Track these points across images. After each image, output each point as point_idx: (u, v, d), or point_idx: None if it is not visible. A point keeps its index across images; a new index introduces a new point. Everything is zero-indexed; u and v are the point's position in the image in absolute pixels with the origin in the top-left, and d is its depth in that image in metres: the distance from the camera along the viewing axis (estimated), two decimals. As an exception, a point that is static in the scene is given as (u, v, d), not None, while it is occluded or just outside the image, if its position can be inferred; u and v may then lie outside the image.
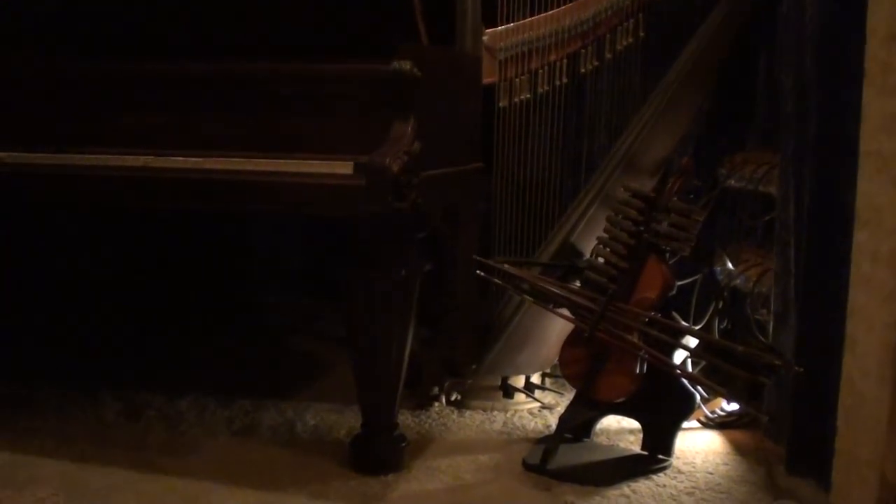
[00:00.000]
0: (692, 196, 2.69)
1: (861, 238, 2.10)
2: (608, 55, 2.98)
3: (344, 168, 2.28)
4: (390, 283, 2.41)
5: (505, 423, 2.92)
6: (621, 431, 2.85)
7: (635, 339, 2.48)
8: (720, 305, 2.87)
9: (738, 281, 2.85)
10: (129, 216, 3.39)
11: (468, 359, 3.00)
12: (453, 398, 3.06)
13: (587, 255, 2.87)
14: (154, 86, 2.60)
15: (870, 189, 2.07)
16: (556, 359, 2.77)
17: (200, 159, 2.44)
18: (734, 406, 2.83)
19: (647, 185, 2.78)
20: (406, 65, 2.32)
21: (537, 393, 3.09)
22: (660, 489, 2.45)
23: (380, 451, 2.54)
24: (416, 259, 2.48)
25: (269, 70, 2.50)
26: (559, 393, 3.14)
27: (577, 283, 2.69)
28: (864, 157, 2.09)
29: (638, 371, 2.51)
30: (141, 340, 3.63)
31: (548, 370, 3.14)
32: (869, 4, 2.05)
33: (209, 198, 2.48)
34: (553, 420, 2.92)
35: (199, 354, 3.59)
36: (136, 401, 3.01)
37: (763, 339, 2.69)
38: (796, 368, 2.30)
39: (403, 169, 2.25)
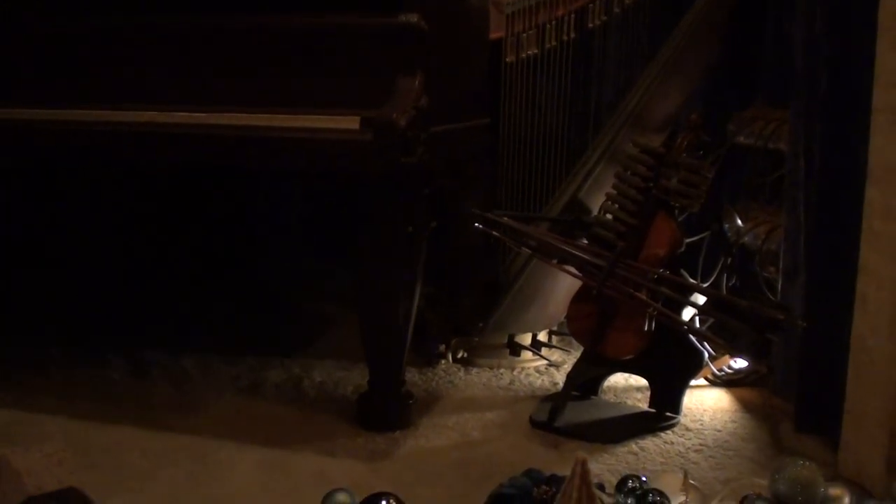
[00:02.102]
0: (701, 152, 2.66)
1: (873, 195, 2.08)
2: (616, 10, 2.94)
3: (350, 123, 2.25)
4: (397, 239, 2.39)
5: (512, 381, 2.92)
6: (628, 389, 2.85)
7: (644, 296, 2.47)
8: (729, 261, 2.85)
9: (746, 238, 2.83)
10: (132, 175, 3.37)
11: (475, 316, 2.99)
12: (460, 356, 3.06)
13: (595, 212, 2.85)
14: (159, 40, 2.57)
15: (882, 145, 2.06)
16: (563, 316, 2.76)
17: (205, 114, 2.42)
18: (742, 363, 2.82)
19: (655, 141, 2.75)
20: (413, 17, 2.29)
21: (544, 350, 3.08)
22: (668, 446, 2.44)
23: (387, 408, 2.53)
24: (422, 216, 2.46)
25: (273, 23, 2.47)
26: (566, 350, 3.14)
27: (584, 240, 2.67)
28: (877, 113, 2.07)
29: (646, 328, 2.50)
30: (145, 299, 3.62)
31: (554, 328, 3.14)
32: (883, -45, 2.02)
33: (213, 153, 2.47)
34: (560, 377, 2.92)
35: (203, 313, 3.58)
36: (140, 359, 3.00)
37: (770, 296, 2.67)
38: (800, 322, 2.29)
39: (411, 124, 2.23)
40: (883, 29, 2.05)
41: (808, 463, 1.86)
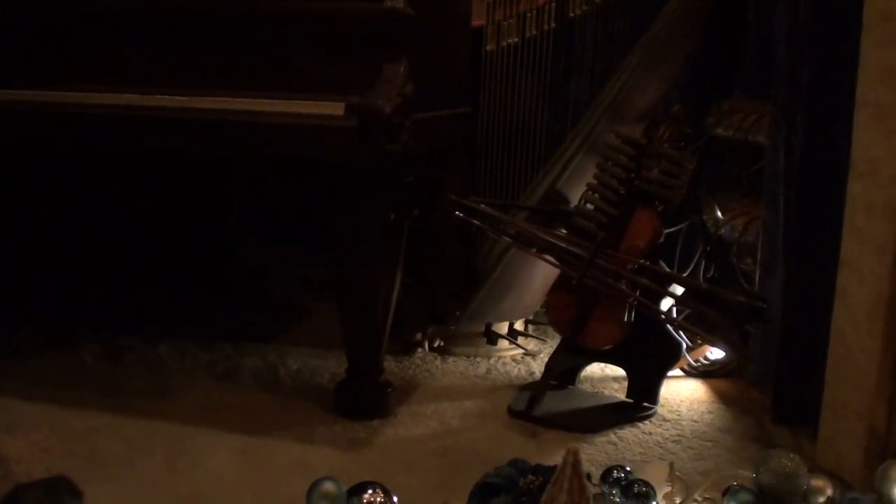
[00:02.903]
0: (682, 144, 2.66)
1: (855, 189, 2.09)
2: (597, -1, 2.94)
3: (335, 109, 2.23)
4: (379, 227, 2.38)
5: (489, 370, 2.92)
6: (605, 379, 2.86)
7: (624, 287, 2.47)
8: (708, 250, 2.87)
9: (723, 230, 2.84)
10: (107, 159, 3.32)
11: (452, 305, 2.98)
12: (436, 345, 3.05)
13: (574, 202, 2.85)
14: (139, 22, 2.52)
15: (866, 140, 2.06)
16: (541, 306, 2.76)
17: (185, 98, 2.39)
18: (718, 354, 2.84)
19: (634, 131, 2.75)
20: (399, 3, 2.27)
21: (520, 340, 3.08)
22: (646, 436, 2.45)
23: (366, 397, 2.52)
24: (405, 203, 2.45)
25: (257, 7, 2.43)
26: (542, 340, 3.14)
27: (562, 230, 2.67)
28: (861, 108, 2.08)
29: (626, 318, 2.51)
30: (119, 285, 3.58)
31: (531, 317, 3.14)
32: (869, -49, 2.02)
33: (193, 138, 2.44)
34: (536, 367, 2.93)
35: (178, 299, 3.55)
36: (115, 345, 2.97)
37: (747, 287, 2.69)
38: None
39: (396, 110, 2.21)
40: (868, 26, 2.05)
41: (791, 455, 1.87)
